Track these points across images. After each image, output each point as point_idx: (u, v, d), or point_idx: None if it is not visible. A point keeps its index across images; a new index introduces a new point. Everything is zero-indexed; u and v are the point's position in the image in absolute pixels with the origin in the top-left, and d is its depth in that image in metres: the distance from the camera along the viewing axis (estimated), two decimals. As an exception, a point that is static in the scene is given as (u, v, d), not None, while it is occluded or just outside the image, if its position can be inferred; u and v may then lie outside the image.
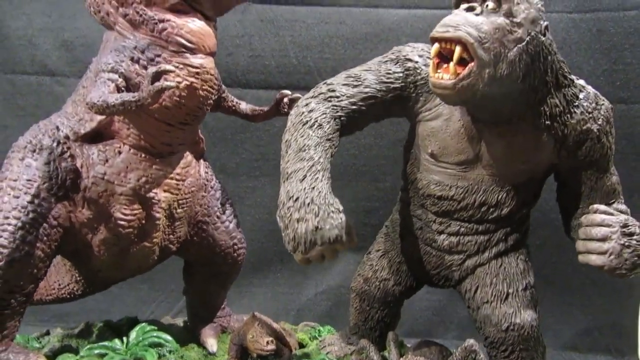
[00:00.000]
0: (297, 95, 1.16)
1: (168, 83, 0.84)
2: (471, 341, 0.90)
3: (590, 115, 0.89)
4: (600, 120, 0.89)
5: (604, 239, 0.81)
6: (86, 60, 1.96)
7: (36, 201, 0.94)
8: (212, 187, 1.15)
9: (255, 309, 1.99)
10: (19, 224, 0.92)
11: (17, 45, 1.93)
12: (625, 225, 0.81)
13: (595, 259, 0.81)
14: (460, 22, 0.78)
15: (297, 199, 0.78)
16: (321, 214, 0.76)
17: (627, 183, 1.91)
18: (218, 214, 1.15)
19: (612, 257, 0.80)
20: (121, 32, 0.96)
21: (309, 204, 0.77)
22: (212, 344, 1.18)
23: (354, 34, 1.92)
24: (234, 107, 1.17)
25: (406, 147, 1.04)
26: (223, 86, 1.14)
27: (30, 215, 0.93)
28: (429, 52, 0.93)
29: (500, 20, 0.79)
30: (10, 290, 0.93)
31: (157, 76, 0.85)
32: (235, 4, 1.03)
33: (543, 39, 0.81)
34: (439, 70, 0.81)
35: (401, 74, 0.92)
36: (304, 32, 1.92)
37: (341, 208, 0.80)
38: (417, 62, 0.92)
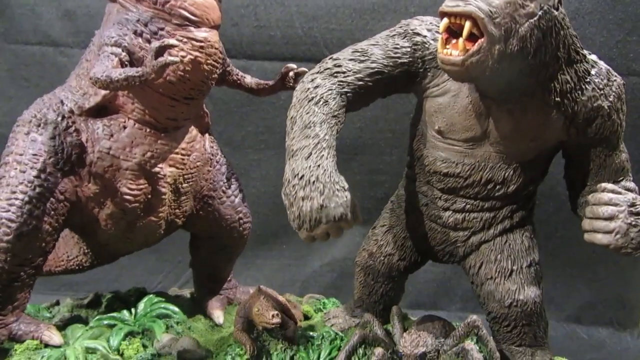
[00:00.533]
0: (303, 69, 1.15)
1: (172, 58, 0.83)
2: (474, 317, 0.90)
3: (602, 91, 0.87)
4: (611, 97, 0.87)
5: (610, 218, 0.80)
6: (89, 30, 1.93)
7: (42, 175, 0.94)
8: (217, 162, 1.15)
9: (261, 281, 2.01)
10: (26, 198, 0.92)
11: (19, 14, 1.90)
12: (632, 205, 0.80)
13: (601, 238, 0.81)
14: None
15: (302, 176, 0.78)
16: (326, 192, 0.76)
17: (637, 157, 1.90)
18: (224, 188, 1.15)
19: (618, 236, 0.80)
20: (124, 5, 0.94)
21: (314, 182, 0.77)
22: (218, 315, 1.20)
23: (361, 3, 1.88)
24: (238, 81, 1.16)
25: (413, 123, 1.03)
26: (227, 59, 1.12)
27: (37, 189, 0.93)
28: (438, 26, 0.91)
29: None
30: (19, 263, 0.95)
31: (160, 51, 0.83)
32: None
33: (556, 13, 0.79)
34: (447, 46, 0.79)
35: (409, 49, 0.90)
36: (310, 2, 1.88)
37: (346, 186, 0.79)
38: (425, 36, 0.90)
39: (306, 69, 1.16)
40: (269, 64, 1.93)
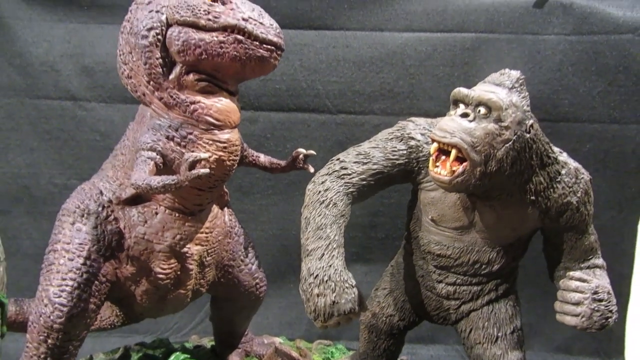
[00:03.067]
0: (311, 152, 1.29)
1: (203, 170, 0.96)
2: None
3: (571, 189, 1.01)
4: (579, 193, 1.02)
5: (577, 304, 0.94)
6: (105, 85, 2.09)
7: (88, 262, 1.08)
8: (235, 234, 1.28)
9: (270, 318, 2.16)
10: (75, 284, 1.06)
11: (40, 71, 2.02)
12: (595, 292, 0.95)
13: (569, 320, 0.95)
14: (456, 129, 0.90)
15: (316, 276, 0.92)
16: (337, 290, 0.90)
17: (618, 198, 2.04)
18: (242, 257, 1.29)
19: (583, 319, 0.94)
20: (156, 111, 1.07)
21: (327, 280, 0.91)
22: (238, 369, 1.34)
23: (360, 57, 2.01)
24: (254, 161, 1.29)
25: (410, 206, 1.17)
26: (244, 144, 1.26)
27: (84, 276, 1.07)
28: (430, 130, 1.05)
29: (490, 126, 0.91)
30: (68, 339, 1.08)
31: (193, 163, 0.97)
32: (256, 77, 1.14)
33: (528, 135, 0.93)
34: (437, 164, 0.93)
35: (405, 151, 1.04)
36: (313, 56, 2.01)
37: (354, 283, 0.94)
38: (419, 140, 1.04)
39: (313, 152, 1.31)
40: (274, 115, 2.07)
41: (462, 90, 0.95)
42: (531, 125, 0.93)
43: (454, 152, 0.90)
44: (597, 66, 1.98)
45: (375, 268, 2.16)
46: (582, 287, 0.95)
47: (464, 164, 0.91)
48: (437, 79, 2.00)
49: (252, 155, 1.29)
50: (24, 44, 2.01)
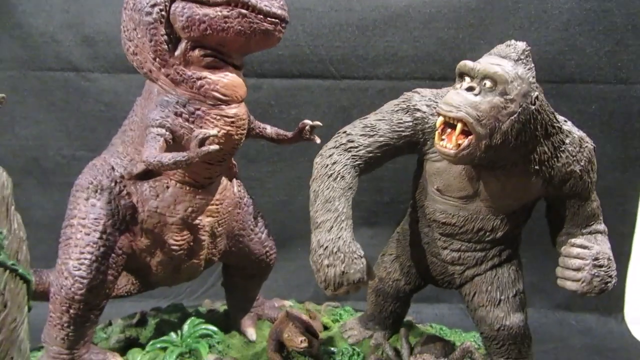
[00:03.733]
0: (317, 123, 1.30)
1: (212, 147, 0.98)
2: (468, 343, 1.10)
3: (575, 158, 1.02)
4: (582, 161, 1.03)
5: (578, 269, 0.98)
6: (107, 55, 2.08)
7: (104, 236, 1.12)
8: (245, 204, 1.32)
9: (280, 281, 2.22)
10: (93, 258, 1.10)
11: (40, 42, 2.01)
12: (596, 259, 0.98)
13: (570, 285, 0.99)
14: (462, 103, 0.91)
15: (326, 247, 0.95)
16: (346, 260, 0.94)
17: (622, 159, 2.05)
18: (252, 226, 1.32)
19: (584, 284, 0.97)
20: (163, 87, 1.08)
21: (336, 252, 0.94)
22: (251, 333, 1.40)
23: (364, 21, 1.98)
24: (260, 133, 1.31)
25: (415, 176, 1.19)
26: (251, 117, 1.27)
27: (101, 249, 1.11)
28: (436, 102, 1.06)
29: (496, 99, 0.91)
30: (89, 309, 1.13)
31: (203, 140, 0.98)
32: (261, 49, 1.14)
33: (532, 107, 0.93)
34: (443, 137, 0.95)
35: (411, 123, 1.06)
36: (315, 20, 1.99)
37: (362, 253, 0.97)
38: (425, 112, 1.05)
39: (319, 123, 1.32)
40: (278, 82, 2.06)
41: (468, 64, 0.95)
42: (536, 97, 0.94)
43: (459, 126, 0.91)
44: (605, 25, 1.95)
45: (381, 231, 2.21)
46: (583, 253, 0.98)
47: (470, 137, 0.92)
48: (442, 42, 1.98)
49: (259, 127, 1.31)
50: (22, 15, 1.99)
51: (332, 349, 1.29)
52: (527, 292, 2.16)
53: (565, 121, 1.05)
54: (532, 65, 0.95)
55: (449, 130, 0.94)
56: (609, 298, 2.16)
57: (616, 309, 2.16)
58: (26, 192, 2.13)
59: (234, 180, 1.31)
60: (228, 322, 1.48)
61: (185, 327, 1.37)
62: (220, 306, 1.62)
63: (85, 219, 1.12)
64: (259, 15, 1.02)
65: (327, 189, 1.00)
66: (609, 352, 1.93)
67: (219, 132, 1.08)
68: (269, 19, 1.04)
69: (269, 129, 1.32)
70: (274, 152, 2.14)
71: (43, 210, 2.15)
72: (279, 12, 1.05)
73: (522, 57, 0.93)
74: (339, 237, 0.95)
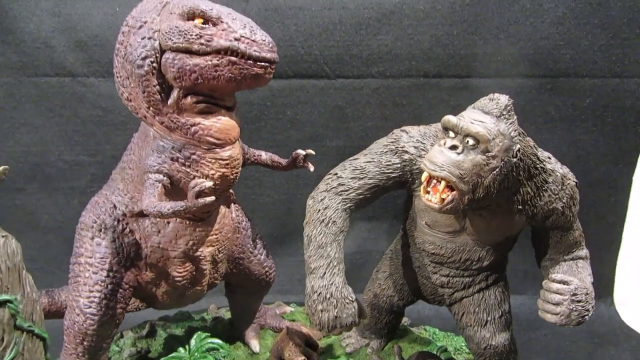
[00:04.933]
0: (310, 151, 1.33)
1: (209, 199, 1.01)
2: (457, 366, 1.18)
3: (557, 196, 1.06)
4: (564, 198, 1.07)
5: (557, 304, 1.04)
6: (101, 60, 2.08)
7: (111, 274, 1.18)
8: (243, 228, 1.37)
9: (281, 276, 2.30)
10: (102, 295, 1.17)
11: (33, 48, 2.00)
12: (574, 294, 1.03)
13: (549, 317, 1.05)
14: (445, 162, 0.94)
15: (319, 293, 1.01)
16: (339, 306, 1.00)
17: (614, 152, 2.09)
18: (251, 249, 1.38)
19: (562, 317, 1.04)
20: (158, 132, 1.11)
21: (329, 297, 1.00)
22: (254, 345, 1.48)
23: (357, 18, 1.97)
24: (256, 160, 1.34)
25: (405, 207, 1.24)
26: (245, 147, 1.30)
27: (109, 287, 1.17)
28: (423, 142, 1.09)
29: (478, 157, 0.94)
30: (102, 340, 1.21)
31: (200, 192, 1.02)
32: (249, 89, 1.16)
33: (514, 160, 0.97)
34: (428, 189, 0.99)
35: (399, 165, 1.09)
36: (308, 20, 1.98)
37: (354, 297, 1.03)
38: (412, 154, 1.09)
39: (312, 152, 1.35)
40: (273, 82, 2.03)
41: (452, 120, 0.97)
42: (518, 150, 0.97)
43: (443, 184, 0.95)
44: (600, 19, 1.94)
45: (377, 225, 2.27)
46: (562, 289, 1.04)
47: (453, 192, 0.96)
48: (436, 39, 1.97)
49: (254, 156, 1.34)
50: (13, 20, 1.98)
51: (331, 361, 1.38)
52: (520, 279, 2.23)
53: (549, 158, 1.08)
54: (515, 118, 0.97)
55: (434, 182, 0.98)
56: (598, 283, 2.23)
57: (605, 294, 2.24)
58: (31, 197, 2.18)
59: (232, 205, 1.36)
60: (233, 331, 1.56)
61: (193, 342, 1.45)
62: (225, 312, 1.70)
63: (92, 257, 1.18)
64: (248, 61, 1.04)
65: (320, 234, 1.05)
66: (598, 337, 2.03)
67: (214, 174, 1.12)
68: (259, 63, 1.05)
69: (264, 156, 1.36)
70: (272, 152, 2.17)
71: (49, 215, 2.21)
72: (269, 55, 1.07)
73: (504, 112, 0.96)
74: (332, 283, 1.01)
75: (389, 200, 2.24)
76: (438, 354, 1.36)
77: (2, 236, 0.87)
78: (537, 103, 2.04)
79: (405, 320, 1.61)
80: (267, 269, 1.41)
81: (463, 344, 1.53)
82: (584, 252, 1.17)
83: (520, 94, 2.00)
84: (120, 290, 1.20)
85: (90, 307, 1.16)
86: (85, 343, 1.19)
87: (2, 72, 2.03)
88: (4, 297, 0.85)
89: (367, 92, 2.06)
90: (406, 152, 1.09)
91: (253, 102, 2.07)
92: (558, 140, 2.05)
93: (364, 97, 2.07)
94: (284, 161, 1.36)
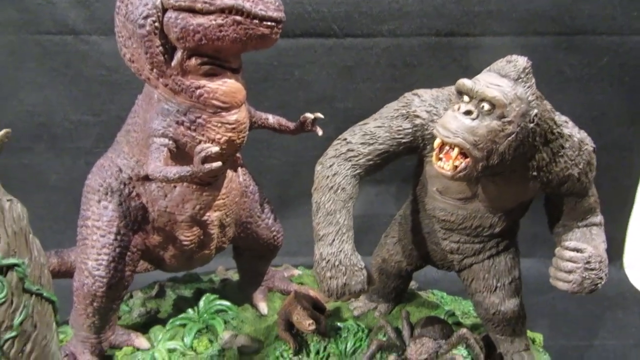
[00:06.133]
0: (318, 114, 1.30)
1: (215, 164, 0.99)
2: (464, 330, 1.18)
3: (573, 162, 1.03)
4: (581, 164, 1.04)
5: (569, 272, 1.02)
6: (103, 17, 2.03)
7: (118, 237, 1.17)
8: (251, 192, 1.35)
9: (288, 238, 2.31)
10: (110, 258, 1.17)
11: (35, 4, 1.95)
12: (587, 262, 1.01)
13: (561, 285, 1.04)
14: (459, 129, 0.90)
15: (328, 260, 1.00)
16: (348, 273, 0.99)
17: (631, 112, 2.02)
18: (258, 213, 1.37)
19: (574, 285, 1.02)
20: (163, 95, 1.08)
21: (337, 265, 0.99)
22: (262, 307, 1.49)
23: (367, -27, 1.89)
24: (263, 124, 1.31)
25: (415, 173, 1.21)
26: (251, 110, 1.27)
27: (117, 250, 1.17)
28: (436, 106, 1.05)
29: (494, 123, 0.90)
30: (112, 301, 1.22)
31: (206, 158, 1.00)
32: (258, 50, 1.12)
33: (531, 125, 0.93)
34: (441, 156, 0.95)
35: (410, 130, 1.05)
36: (317, -23, 1.90)
37: (363, 265, 1.02)
38: (424, 118, 1.05)
39: (320, 115, 1.31)
40: (280, 41, 1.93)
41: (466, 83, 0.93)
42: (535, 115, 0.93)
43: (456, 151, 0.92)
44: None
45: (385, 189, 2.25)
46: (576, 257, 1.02)
47: (466, 159, 0.93)
48: (449, -6, 1.90)
49: (261, 119, 1.31)
50: (14, -24, 1.92)
51: (339, 324, 1.39)
52: (530, 242, 2.22)
53: (566, 122, 1.04)
54: (533, 81, 0.93)
55: (446, 148, 0.95)
56: (609, 246, 2.22)
57: (615, 257, 2.23)
58: (38, 156, 2.18)
59: (239, 169, 1.34)
60: (241, 293, 1.58)
61: (201, 303, 1.46)
62: (233, 274, 1.72)
63: (99, 221, 1.18)
64: (254, 21, 0.99)
65: (329, 201, 1.03)
66: (607, 300, 2.03)
67: (220, 138, 1.09)
68: (264, 22, 1.01)
69: (271, 119, 1.33)
70: (278, 113, 2.12)
71: (56, 174, 2.21)
72: (275, 14, 1.02)
73: (522, 75, 0.91)
74: (341, 251, 1.00)
75: (398, 163, 2.17)
76: (445, 318, 1.36)
77: (8, 200, 0.86)
78: (551, 62, 1.98)
79: (412, 284, 1.62)
80: (274, 233, 1.40)
81: (471, 308, 1.53)
82: (598, 218, 1.14)
83: (535, 53, 1.92)
84: (129, 253, 1.20)
85: (98, 269, 1.16)
86: (94, 304, 1.20)
87: (4, 30, 1.99)
88: (12, 260, 0.84)
89: (377, 52, 2.00)
90: (418, 116, 1.05)
91: (259, 62, 2.01)
92: (572, 101, 1.99)
93: (374, 57, 2.01)
94: (291, 125, 1.32)
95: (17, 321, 0.86)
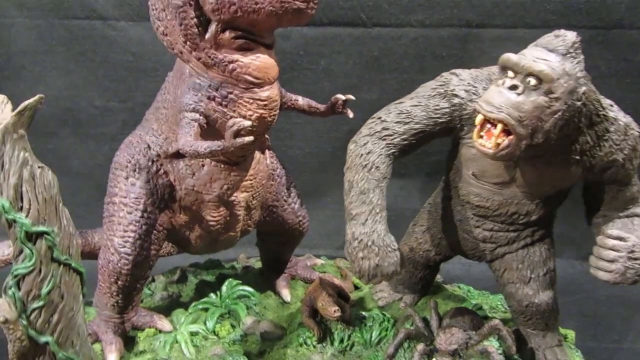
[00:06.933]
0: (350, 96, 1.27)
1: (247, 139, 0.97)
2: (496, 321, 1.14)
3: (618, 146, 0.98)
4: (626, 150, 0.99)
5: (612, 261, 0.98)
6: (131, 3, 2.02)
7: (145, 215, 1.16)
8: (278, 175, 1.33)
9: (310, 231, 2.28)
10: (136, 236, 1.15)
11: (63, -12, 1.97)
12: (631, 252, 0.97)
13: (602, 275, 1.00)
14: (503, 103, 0.87)
15: (360, 240, 0.97)
16: (380, 254, 0.96)
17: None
18: (285, 197, 1.35)
19: (617, 275, 0.98)
20: (195, 69, 1.06)
21: (370, 245, 0.96)
22: (285, 294, 1.47)
23: (398, -39, 1.86)
24: (293, 105, 1.29)
25: (449, 157, 1.17)
26: (282, 90, 1.25)
27: (143, 227, 1.16)
28: (475, 86, 1.02)
29: (540, 99, 0.86)
30: (136, 280, 1.21)
31: (238, 132, 0.98)
32: (293, 26, 1.10)
33: (578, 104, 0.89)
34: (482, 134, 0.92)
35: (448, 109, 1.02)
36: (346, -34, 1.88)
37: (396, 246, 0.99)
38: (463, 97, 1.01)
39: (352, 97, 1.29)
40: (307, 30, 1.99)
41: (512, 58, 0.89)
42: (583, 93, 0.89)
43: (500, 126, 0.88)
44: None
45: (409, 182, 2.22)
46: (619, 245, 0.97)
47: (510, 137, 0.89)
48: (482, -16, 1.86)
49: (291, 100, 1.29)
50: (43, -40, 1.94)
51: (364, 313, 1.35)
52: (557, 242, 2.17)
53: (611, 106, 1.00)
54: (582, 57, 0.89)
55: (488, 126, 0.91)
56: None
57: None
58: (63, 141, 2.19)
59: (267, 152, 1.32)
60: (263, 280, 1.55)
61: (224, 288, 1.44)
62: (255, 262, 1.69)
63: (126, 197, 1.16)
64: None
65: (362, 180, 1.00)
66: (634, 304, 1.96)
67: (252, 115, 1.07)
68: None
69: (301, 101, 1.31)
70: (304, 103, 2.11)
71: (80, 160, 2.22)
72: None
73: (571, 50, 0.87)
74: (374, 231, 0.97)
75: (422, 158, 2.18)
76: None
77: (39, 167, 0.85)
78: (585, 56, 1.91)
79: (437, 277, 1.58)
80: (300, 218, 1.38)
81: (499, 303, 1.49)
82: (640, 209, 1.10)
83: (569, 47, 1.88)
84: (155, 231, 1.18)
85: (124, 246, 1.15)
86: (119, 282, 1.18)
87: (33, 14, 2.00)
88: (42, 228, 0.83)
89: (405, 42, 1.96)
90: (456, 95, 1.02)
91: (285, 50, 1.99)
92: (606, 96, 1.92)
93: (402, 48, 1.97)
94: (321, 107, 1.30)
95: (44, 291, 0.85)
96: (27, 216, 0.82)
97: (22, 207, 0.82)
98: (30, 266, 0.83)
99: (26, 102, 0.82)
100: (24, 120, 0.82)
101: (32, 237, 0.83)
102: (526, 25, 1.89)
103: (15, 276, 0.83)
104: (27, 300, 0.84)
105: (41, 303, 0.85)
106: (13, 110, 0.83)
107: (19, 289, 0.83)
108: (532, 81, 0.87)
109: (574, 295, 1.98)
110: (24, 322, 0.83)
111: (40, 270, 0.85)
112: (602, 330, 1.82)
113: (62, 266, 0.88)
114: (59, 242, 0.87)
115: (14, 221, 0.81)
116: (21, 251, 0.83)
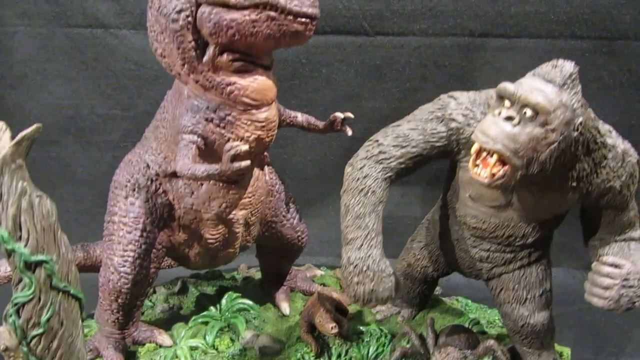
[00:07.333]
0: (348, 114, 1.27)
1: (244, 163, 0.98)
2: (491, 342, 1.14)
3: (615, 173, 0.98)
4: (623, 177, 0.99)
5: (606, 288, 0.98)
6: (133, 11, 2.04)
7: (144, 234, 1.17)
8: (277, 191, 1.34)
9: (311, 238, 2.29)
10: (136, 255, 1.17)
11: (65, -3, 1.97)
12: (626, 279, 0.97)
13: (596, 301, 1.00)
14: (499, 135, 0.87)
15: (356, 265, 0.98)
16: (375, 279, 0.96)
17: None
18: (284, 213, 1.35)
19: (611, 302, 0.98)
20: (193, 91, 1.07)
21: (365, 270, 0.97)
22: (285, 307, 1.48)
23: (399, -30, 1.86)
24: (292, 122, 1.30)
25: (447, 178, 1.18)
26: (281, 108, 1.25)
27: (143, 247, 1.17)
28: (472, 110, 1.02)
29: (536, 130, 0.86)
30: (136, 298, 1.22)
31: (235, 156, 0.99)
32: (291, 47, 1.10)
33: (575, 134, 0.89)
34: (478, 162, 0.92)
35: (445, 134, 1.02)
36: (348, -25, 1.87)
37: (391, 271, 0.99)
38: (460, 122, 1.01)
39: (350, 115, 1.29)
40: (311, 38, 1.98)
41: (508, 88, 0.89)
42: (580, 123, 0.89)
43: (495, 158, 0.89)
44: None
45: (410, 190, 2.22)
46: (613, 273, 0.97)
47: (505, 167, 0.89)
48: (484, -7, 1.85)
49: (290, 117, 1.29)
50: (45, -32, 1.94)
51: (361, 328, 1.36)
52: (556, 251, 2.17)
53: (610, 131, 0.99)
54: (579, 87, 0.89)
55: (484, 154, 0.91)
56: None
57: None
58: (66, 149, 2.20)
59: (266, 167, 1.33)
60: (263, 292, 1.56)
61: (224, 301, 1.46)
62: (255, 272, 1.71)
63: (125, 217, 1.17)
64: (288, 17, 0.98)
65: (358, 204, 1.00)
66: (633, 315, 1.96)
67: (249, 136, 1.08)
68: (299, 19, 0.99)
69: (300, 117, 1.31)
70: (305, 111, 2.09)
71: (83, 168, 2.23)
72: (310, 10, 1.00)
73: (568, 81, 0.87)
74: (369, 256, 0.97)
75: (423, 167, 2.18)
76: (470, 327, 1.33)
77: (37, 196, 0.86)
78: (589, 67, 1.91)
79: (436, 289, 1.58)
80: (299, 233, 1.39)
81: (496, 318, 1.49)
82: (637, 233, 1.09)
83: (572, 57, 1.83)
84: (154, 250, 1.19)
85: (124, 265, 1.16)
86: (119, 300, 1.20)
87: (35, 22, 2.01)
88: (40, 257, 0.84)
89: (408, 51, 1.96)
90: (453, 120, 1.01)
91: (287, 59, 1.99)
92: (610, 108, 1.92)
93: (404, 57, 1.97)
94: (320, 124, 1.30)
95: (44, 318, 0.86)
96: (25, 246, 0.83)
97: (20, 237, 0.83)
98: (30, 294, 0.85)
99: (24, 132, 0.83)
100: (21, 151, 0.83)
101: (31, 266, 0.84)
102: (530, 35, 1.88)
103: (15, 304, 0.84)
104: (27, 327, 0.86)
105: (41, 330, 0.87)
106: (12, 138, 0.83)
107: (19, 316, 0.85)
108: (529, 112, 0.87)
109: (573, 306, 1.97)
110: (25, 349, 0.85)
111: (39, 298, 0.86)
112: (600, 341, 1.82)
113: (61, 293, 0.89)
114: (58, 270, 0.88)
115: (13, 251, 0.83)
116: (20, 280, 0.84)
